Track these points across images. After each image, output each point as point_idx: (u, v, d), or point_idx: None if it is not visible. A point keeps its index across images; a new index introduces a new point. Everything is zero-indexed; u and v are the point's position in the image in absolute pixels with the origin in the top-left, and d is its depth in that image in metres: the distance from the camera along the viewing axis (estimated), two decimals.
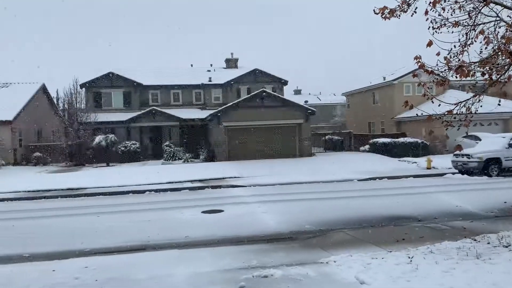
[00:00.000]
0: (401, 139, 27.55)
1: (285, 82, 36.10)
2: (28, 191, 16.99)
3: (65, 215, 12.26)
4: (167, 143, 29.62)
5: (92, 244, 8.66)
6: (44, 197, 15.97)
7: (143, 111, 31.71)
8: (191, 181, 18.51)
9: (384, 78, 35.58)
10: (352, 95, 42.06)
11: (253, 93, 28.43)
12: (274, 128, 27.50)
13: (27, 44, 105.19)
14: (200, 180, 18.67)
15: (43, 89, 34.94)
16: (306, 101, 54.68)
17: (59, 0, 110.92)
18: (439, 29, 6.84)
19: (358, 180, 18.06)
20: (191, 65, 40.48)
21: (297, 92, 67.67)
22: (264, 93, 27.49)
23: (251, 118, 26.96)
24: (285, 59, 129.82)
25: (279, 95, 29.34)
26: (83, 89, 32.88)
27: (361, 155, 27.45)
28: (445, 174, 19.25)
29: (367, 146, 29.18)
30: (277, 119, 27.22)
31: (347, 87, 56.09)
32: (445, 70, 6.71)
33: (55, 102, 37.32)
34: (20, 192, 16.89)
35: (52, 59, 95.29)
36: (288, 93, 43.47)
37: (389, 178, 18.42)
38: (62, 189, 17.27)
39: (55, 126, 33.22)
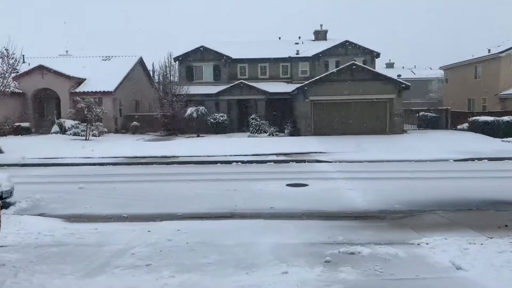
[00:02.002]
0: (506, 118, 25.00)
1: (377, 55, 34.39)
2: (127, 157, 18.37)
3: (159, 181, 13.06)
4: (253, 116, 30.06)
5: (183, 209, 9.12)
6: (141, 163, 17.16)
7: (231, 84, 32.38)
8: (276, 154, 18.63)
9: (489, 51, 32.29)
10: (450, 69, 38.93)
11: (342, 66, 27.52)
12: (363, 103, 26.51)
13: (123, 16, 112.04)
14: (284, 154, 18.71)
15: (140, 62, 37.17)
16: (399, 75, 51.70)
17: None
18: None
19: (454, 161, 16.81)
20: (279, 38, 40.22)
21: (390, 65, 64.25)
22: (354, 66, 26.48)
23: (339, 92, 26.23)
24: (377, 31, 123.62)
25: (370, 68, 28.05)
26: (176, 62, 34.34)
27: (459, 133, 25.47)
28: None
29: (465, 125, 26.97)
30: (367, 93, 26.15)
31: (445, 60, 51.99)
32: None
33: (151, 74, 39.62)
34: (120, 157, 18.32)
35: (148, 33, 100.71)
36: (379, 67, 41.44)
37: (490, 159, 16.89)
38: (156, 156, 18.39)
39: (151, 98, 35.34)
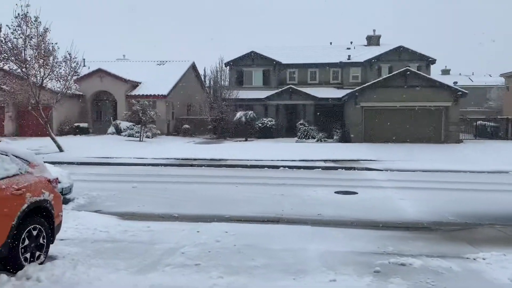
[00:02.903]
0: None
1: (433, 61, 33.25)
2: (178, 159, 18.87)
3: (208, 183, 13.31)
4: (301, 121, 29.97)
5: (231, 211, 9.24)
6: (191, 165, 17.57)
7: (280, 89, 32.49)
8: (324, 160, 18.44)
9: None
10: None
11: (395, 72, 26.86)
12: (417, 111, 25.69)
13: (175, 25, 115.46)
14: (333, 160, 18.48)
15: (193, 67, 38.18)
16: (455, 82, 49.62)
17: None
18: None
19: None
20: (330, 43, 39.91)
21: (445, 72, 61.84)
22: (408, 72, 25.75)
23: (391, 99, 25.59)
24: (433, 37, 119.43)
25: (425, 74, 27.16)
26: (227, 67, 34.94)
27: None
28: None
29: None
30: (421, 100, 25.33)
31: (506, 67, 49.27)
32: None
33: (203, 79, 40.57)
34: (171, 159, 18.85)
35: (200, 39, 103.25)
36: (435, 73, 39.98)
37: None
38: (206, 159, 18.75)
39: (202, 102, 36.18)
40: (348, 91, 28.43)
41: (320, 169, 16.80)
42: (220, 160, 18.54)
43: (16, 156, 5.40)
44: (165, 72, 34.83)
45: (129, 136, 28.02)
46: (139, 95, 31.65)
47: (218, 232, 7.30)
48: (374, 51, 34.62)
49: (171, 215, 9.00)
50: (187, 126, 32.29)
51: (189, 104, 37.26)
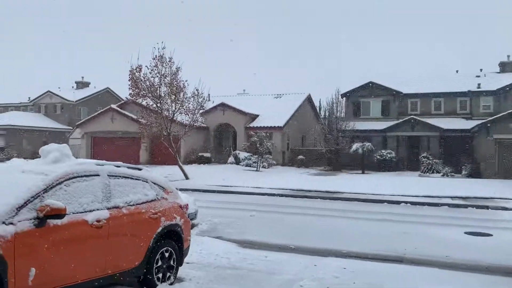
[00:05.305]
0: None
1: None
2: (293, 189, 19.03)
3: (324, 215, 13.13)
4: (424, 154, 28.16)
5: (349, 247, 8.94)
6: (306, 197, 17.55)
7: (401, 120, 31.10)
8: (451, 197, 16.95)
9: None
10: None
11: None
12: None
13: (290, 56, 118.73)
14: (462, 197, 16.89)
15: (308, 99, 38.74)
16: None
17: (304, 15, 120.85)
18: None
19: None
20: (456, 71, 37.29)
21: None
22: None
23: None
24: None
25: None
26: (343, 98, 34.68)
27: None
28: None
29: None
30: None
31: None
32: None
33: (318, 110, 40.83)
34: (286, 189, 19.09)
35: (317, 72, 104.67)
36: None
37: None
38: (321, 191, 18.59)
39: (316, 133, 36.29)
40: (478, 122, 26.06)
41: (447, 206, 15.47)
42: (335, 192, 18.21)
43: (154, 183, 5.98)
44: (281, 105, 35.89)
45: (247, 166, 29.18)
46: (256, 126, 33.00)
47: (336, 268, 7.10)
48: (508, 79, 31.36)
49: (287, 246, 9.02)
50: (302, 157, 32.55)
51: (304, 135, 37.66)
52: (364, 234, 10.35)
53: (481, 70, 35.58)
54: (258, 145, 27.96)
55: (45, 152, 5.13)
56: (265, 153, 28.61)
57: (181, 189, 14.71)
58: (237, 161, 30.18)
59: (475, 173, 24.35)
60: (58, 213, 4.18)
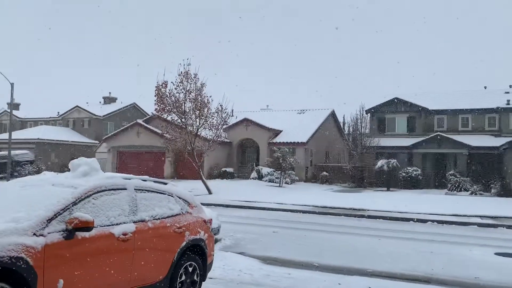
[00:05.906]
0: None
1: None
2: (316, 206, 18.82)
3: (348, 233, 12.93)
4: (451, 172, 27.52)
5: (374, 266, 8.76)
6: (329, 213, 17.35)
7: (427, 137, 30.54)
8: (480, 216, 16.45)
9: None
10: None
11: None
12: None
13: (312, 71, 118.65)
14: (491, 217, 16.37)
15: (332, 115, 38.53)
16: None
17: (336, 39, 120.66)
18: None
19: None
20: (484, 87, 36.52)
21: None
22: None
23: None
24: None
25: None
26: (368, 114, 34.38)
27: None
28: None
29: None
30: None
31: None
32: None
33: (341, 126, 40.55)
34: (309, 206, 18.91)
35: (341, 86, 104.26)
36: None
37: None
38: (345, 208, 18.33)
39: (340, 149, 35.97)
40: (508, 139, 25.36)
41: (475, 225, 15.01)
42: (360, 210, 17.94)
43: (179, 197, 6.04)
44: (304, 120, 35.80)
45: (269, 181, 29.10)
46: (280, 142, 32.97)
47: (361, 287, 6.97)
48: None
49: (311, 263, 8.91)
50: (325, 173, 32.25)
51: (327, 151, 37.37)
52: (390, 253, 10.13)
53: (510, 86, 34.77)
54: (281, 161, 27.88)
55: (75, 166, 5.27)
56: (288, 169, 28.49)
57: (204, 204, 14.79)
58: (260, 177, 30.14)
59: (505, 192, 23.59)
60: (87, 226, 4.26)
